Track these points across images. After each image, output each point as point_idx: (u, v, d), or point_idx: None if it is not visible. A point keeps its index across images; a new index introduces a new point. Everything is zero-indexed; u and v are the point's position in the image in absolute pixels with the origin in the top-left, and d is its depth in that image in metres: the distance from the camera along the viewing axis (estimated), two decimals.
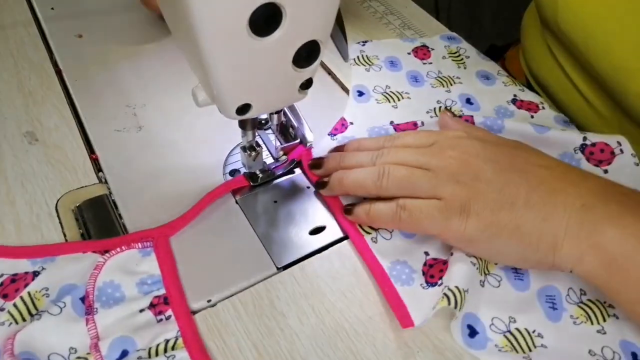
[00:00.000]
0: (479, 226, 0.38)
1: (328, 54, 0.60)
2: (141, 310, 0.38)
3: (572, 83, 0.58)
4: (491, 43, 0.91)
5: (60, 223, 0.43)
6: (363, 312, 0.39)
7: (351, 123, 0.52)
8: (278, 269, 0.42)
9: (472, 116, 0.51)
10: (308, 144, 0.47)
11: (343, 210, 0.44)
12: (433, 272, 0.41)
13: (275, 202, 0.46)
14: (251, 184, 0.47)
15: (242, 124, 0.41)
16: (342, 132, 0.51)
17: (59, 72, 0.56)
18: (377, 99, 0.55)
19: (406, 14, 0.69)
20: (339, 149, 0.48)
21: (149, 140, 0.50)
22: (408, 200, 0.40)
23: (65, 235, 0.43)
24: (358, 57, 0.59)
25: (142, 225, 0.43)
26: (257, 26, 0.31)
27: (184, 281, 0.40)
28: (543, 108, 0.56)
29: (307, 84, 0.38)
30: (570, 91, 0.59)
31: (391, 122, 0.52)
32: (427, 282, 0.41)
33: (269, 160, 0.49)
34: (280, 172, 0.48)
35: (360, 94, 0.56)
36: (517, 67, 0.70)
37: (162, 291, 0.39)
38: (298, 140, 0.48)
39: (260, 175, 0.47)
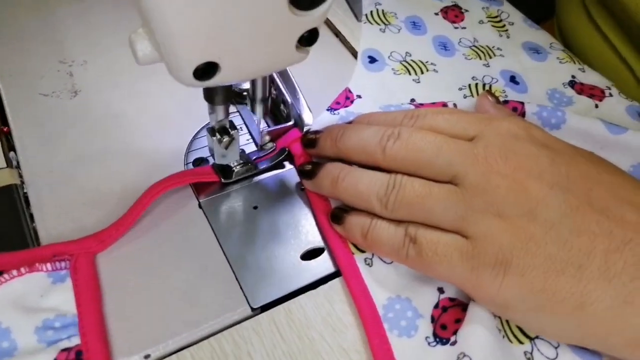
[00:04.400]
0: (520, 292, 0.26)
1: (335, 9, 0.46)
2: None
3: (619, 56, 0.47)
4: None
5: None
6: None
7: (358, 96, 0.39)
8: (253, 310, 0.29)
9: (522, 103, 0.38)
10: (305, 128, 0.34)
11: (330, 214, 0.31)
12: (446, 319, 0.29)
13: (256, 208, 0.33)
14: (222, 180, 0.33)
15: (209, 95, 0.28)
16: (347, 106, 0.38)
17: None
18: (393, 68, 0.42)
19: None
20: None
21: (86, 110, 0.36)
22: (422, 229, 0.28)
23: None
24: (371, 12, 0.46)
25: (60, 234, 0.30)
26: None
27: (112, 325, 0.27)
28: (611, 95, 0.43)
29: (310, 38, 0.25)
30: (615, 63, 0.47)
31: (412, 101, 0.40)
32: (435, 334, 0.28)
33: (250, 147, 0.35)
34: (265, 166, 0.34)
35: (372, 60, 0.42)
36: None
37: (76, 341, 0.26)
38: (291, 122, 0.35)
39: (236, 169, 0.33)
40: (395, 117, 0.32)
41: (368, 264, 0.30)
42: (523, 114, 0.38)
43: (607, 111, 0.41)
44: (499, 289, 0.26)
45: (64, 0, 0.44)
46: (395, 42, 0.44)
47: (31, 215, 0.31)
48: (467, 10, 0.48)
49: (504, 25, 0.48)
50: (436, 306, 0.29)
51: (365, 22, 0.45)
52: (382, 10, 0.46)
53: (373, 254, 0.31)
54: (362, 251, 0.31)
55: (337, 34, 0.45)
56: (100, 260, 0.29)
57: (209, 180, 0.33)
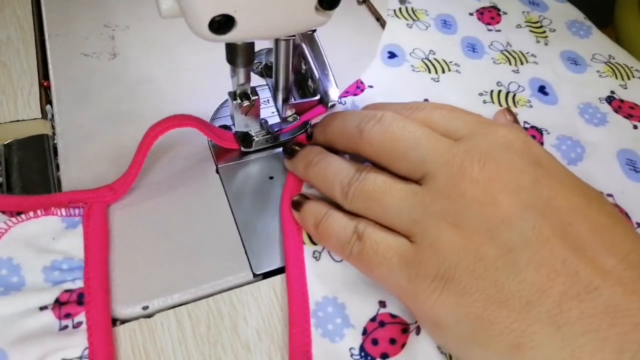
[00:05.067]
0: (456, 313, 0.23)
1: None
2: (42, 308, 0.26)
3: None
4: None
5: None
6: None
7: (370, 86, 0.38)
8: (255, 276, 0.28)
9: (541, 133, 0.36)
10: (330, 104, 0.33)
11: (292, 199, 0.30)
12: (380, 335, 0.26)
13: (271, 178, 0.33)
14: (242, 148, 0.33)
15: (231, 57, 0.28)
16: (356, 94, 0.37)
17: None
18: (413, 65, 0.40)
19: None
20: None
21: (122, 72, 0.38)
22: (371, 227, 0.26)
23: None
24: (400, 7, 0.44)
25: (81, 184, 0.31)
26: None
27: (116, 274, 0.28)
28: None
29: (331, 1, 0.24)
30: None
31: (426, 101, 0.38)
32: (363, 348, 0.26)
33: (273, 119, 0.35)
34: (286, 139, 0.34)
35: (392, 55, 0.41)
36: None
37: (79, 284, 0.27)
38: (317, 97, 0.34)
39: (256, 139, 0.33)
40: (395, 107, 0.30)
41: (315, 257, 0.29)
42: (541, 144, 0.35)
43: None
44: (434, 305, 0.23)
45: None
46: (420, 38, 0.42)
47: (57, 165, 0.33)
48: (505, 13, 0.45)
49: (544, 32, 0.44)
50: (373, 319, 0.27)
51: (391, 16, 0.43)
52: (412, 8, 0.44)
53: (323, 248, 0.29)
54: (315, 243, 0.29)
55: (379, 18, 0.44)
56: (114, 211, 0.30)
57: (228, 147, 0.33)
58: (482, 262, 0.23)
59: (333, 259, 0.29)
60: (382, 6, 0.45)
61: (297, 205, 0.29)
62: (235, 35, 0.24)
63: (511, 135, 0.26)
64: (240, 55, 0.27)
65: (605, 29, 0.58)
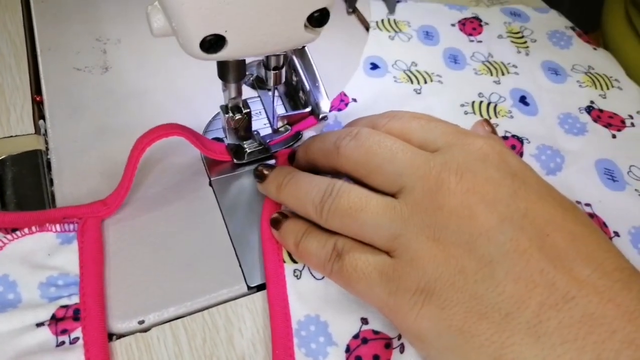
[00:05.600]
0: (437, 326, 0.23)
1: (368, 3, 0.46)
2: (39, 325, 0.26)
3: None
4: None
5: None
6: None
7: (354, 100, 0.39)
8: (249, 288, 0.29)
9: (522, 142, 0.36)
10: (321, 115, 0.34)
11: (271, 217, 0.30)
12: (364, 352, 0.26)
13: None
14: (234, 160, 0.34)
15: (222, 72, 0.28)
16: (340, 109, 0.38)
17: None
18: (395, 76, 0.41)
19: None
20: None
21: (114, 86, 0.38)
22: (350, 243, 0.26)
23: None
24: (382, 20, 0.45)
25: (75, 199, 0.32)
26: None
27: (111, 289, 0.28)
28: (632, 125, 0.39)
29: (320, 19, 0.25)
30: None
31: None
32: None
33: (265, 131, 0.36)
34: (278, 150, 0.35)
35: (374, 67, 0.41)
36: None
37: (75, 300, 0.27)
38: (308, 109, 0.35)
39: (249, 150, 0.34)
40: (373, 118, 0.30)
41: (296, 276, 0.29)
42: (521, 154, 0.36)
43: (624, 142, 0.38)
44: (416, 319, 0.23)
45: None
46: (402, 50, 0.43)
47: (51, 180, 0.33)
48: (487, 24, 0.46)
49: (524, 42, 0.45)
50: (356, 336, 0.27)
51: (374, 28, 0.44)
52: (394, 20, 0.45)
53: (304, 266, 0.29)
54: (296, 262, 0.29)
55: (368, 27, 0.45)
56: (108, 226, 0.30)
57: (216, 158, 0.33)
58: (461, 275, 0.23)
59: (314, 277, 0.29)
60: (370, 14, 0.45)
61: (276, 223, 0.29)
62: (226, 54, 0.24)
63: (487, 146, 0.26)
64: (231, 72, 0.28)
65: (592, 34, 0.59)
